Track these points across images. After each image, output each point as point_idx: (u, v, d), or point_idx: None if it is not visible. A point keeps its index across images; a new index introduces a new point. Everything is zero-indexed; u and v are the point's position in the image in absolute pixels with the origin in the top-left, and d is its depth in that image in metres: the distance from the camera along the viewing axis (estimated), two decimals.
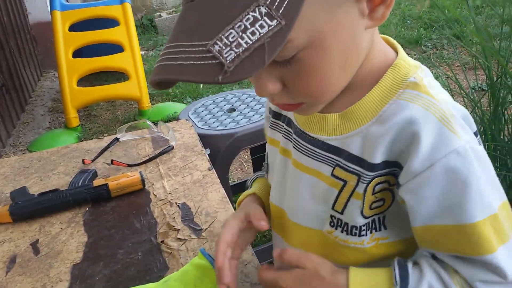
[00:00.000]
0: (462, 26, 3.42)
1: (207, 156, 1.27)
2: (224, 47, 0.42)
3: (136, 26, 6.50)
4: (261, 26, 0.42)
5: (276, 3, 0.42)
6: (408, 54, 0.61)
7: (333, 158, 0.61)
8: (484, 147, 1.63)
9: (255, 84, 0.54)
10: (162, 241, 0.94)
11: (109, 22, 3.57)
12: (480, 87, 2.92)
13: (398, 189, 0.56)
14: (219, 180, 1.14)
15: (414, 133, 0.53)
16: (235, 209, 0.87)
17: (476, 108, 1.63)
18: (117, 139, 1.40)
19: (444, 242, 0.55)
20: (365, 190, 0.58)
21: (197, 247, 0.92)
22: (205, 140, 1.53)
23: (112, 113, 3.79)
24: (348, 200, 0.60)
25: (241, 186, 2.03)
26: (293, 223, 0.70)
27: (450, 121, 0.53)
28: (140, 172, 1.14)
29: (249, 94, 2.08)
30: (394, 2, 0.52)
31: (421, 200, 0.54)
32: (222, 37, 0.42)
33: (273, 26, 0.42)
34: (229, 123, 1.85)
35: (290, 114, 0.70)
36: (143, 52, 5.53)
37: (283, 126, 0.72)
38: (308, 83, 0.53)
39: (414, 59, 0.61)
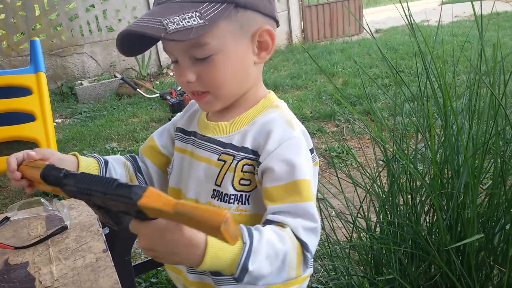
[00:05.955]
0: (371, 103, 3.65)
1: (104, 237, 1.22)
2: (170, 23, 0.75)
3: (56, 94, 6.38)
4: (194, 20, 0.76)
5: (205, 14, 0.76)
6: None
7: (220, 149, 0.90)
8: (383, 223, 1.67)
9: (180, 73, 0.85)
10: None
11: (22, 91, 3.45)
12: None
13: (258, 167, 0.84)
14: (113, 264, 1.10)
15: (269, 129, 0.86)
16: None
17: (375, 184, 1.71)
18: (7, 218, 1.32)
19: (284, 195, 0.80)
20: (236, 166, 0.86)
21: None
22: None
23: None
24: (225, 174, 0.87)
25: (149, 263, 1.93)
26: (187, 198, 0.94)
27: (293, 124, 0.88)
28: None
29: None
30: (273, 50, 0.88)
31: (271, 167, 0.81)
32: (171, 18, 0.75)
33: (200, 23, 0.76)
34: None
35: (195, 127, 0.98)
36: (60, 120, 5.37)
37: (190, 138, 0.97)
38: (214, 76, 0.84)
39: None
